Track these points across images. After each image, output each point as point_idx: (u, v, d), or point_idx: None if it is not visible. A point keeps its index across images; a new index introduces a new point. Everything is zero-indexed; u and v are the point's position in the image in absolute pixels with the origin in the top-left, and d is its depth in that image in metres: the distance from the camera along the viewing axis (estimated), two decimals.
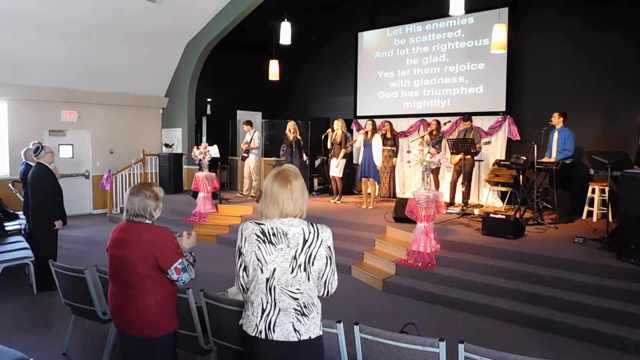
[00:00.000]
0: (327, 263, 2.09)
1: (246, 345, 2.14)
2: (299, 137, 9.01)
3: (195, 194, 8.70)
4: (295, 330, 2.03)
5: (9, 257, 5.28)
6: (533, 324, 4.41)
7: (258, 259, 2.05)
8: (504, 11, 8.29)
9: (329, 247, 2.10)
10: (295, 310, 2.03)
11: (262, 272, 2.04)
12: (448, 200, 7.96)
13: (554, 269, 4.91)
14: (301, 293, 2.04)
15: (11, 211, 6.90)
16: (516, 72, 8.65)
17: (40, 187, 5.18)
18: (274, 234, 2.04)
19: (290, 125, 9.08)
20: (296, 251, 2.03)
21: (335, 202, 8.65)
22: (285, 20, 8.42)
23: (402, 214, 6.13)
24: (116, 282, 2.60)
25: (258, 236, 2.05)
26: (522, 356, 2.05)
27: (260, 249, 2.04)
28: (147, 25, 9.51)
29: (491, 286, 4.94)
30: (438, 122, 8.34)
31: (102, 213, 10.31)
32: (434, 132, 8.18)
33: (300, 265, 2.02)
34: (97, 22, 8.94)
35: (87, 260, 6.15)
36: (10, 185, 8.42)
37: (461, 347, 2.24)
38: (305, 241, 2.04)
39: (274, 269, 2.03)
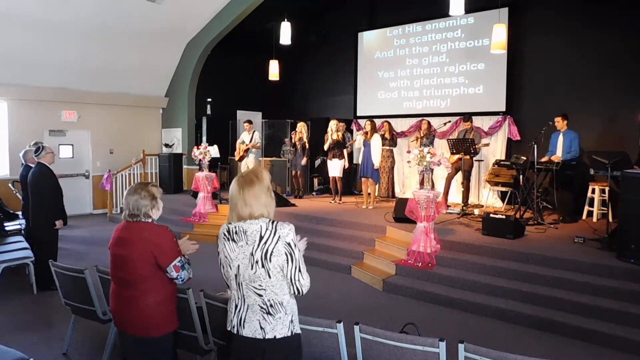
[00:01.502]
0: (287, 260, 2.07)
1: (227, 340, 2.22)
2: (306, 140, 9.04)
3: (195, 194, 8.70)
4: (261, 327, 2.08)
5: (9, 257, 5.28)
6: (533, 324, 4.41)
7: (226, 257, 2.13)
8: (504, 11, 8.30)
9: (288, 244, 2.07)
10: (261, 308, 2.08)
11: (230, 268, 2.13)
12: (452, 198, 7.96)
13: (553, 269, 4.91)
14: (264, 290, 2.07)
15: (11, 211, 6.90)
16: (516, 72, 8.65)
17: (41, 187, 5.18)
18: (236, 232, 2.11)
19: (299, 127, 9.13)
20: (253, 247, 2.07)
21: (337, 203, 8.65)
22: (285, 20, 8.42)
23: (402, 214, 6.13)
24: (117, 281, 2.62)
25: (225, 235, 2.14)
26: (522, 356, 2.05)
27: (225, 246, 2.13)
28: (147, 25, 9.52)
29: (491, 286, 4.94)
30: (428, 122, 8.55)
31: (102, 213, 10.31)
32: (425, 133, 8.31)
33: (257, 262, 2.06)
34: (97, 22, 8.94)
35: (87, 260, 6.16)
36: (10, 185, 8.41)
37: (461, 347, 2.24)
38: (261, 237, 2.07)
39: (238, 266, 2.10)
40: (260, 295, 2.07)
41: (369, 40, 10.69)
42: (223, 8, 9.91)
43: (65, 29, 8.77)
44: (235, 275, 2.12)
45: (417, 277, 5.45)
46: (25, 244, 5.68)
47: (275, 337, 2.07)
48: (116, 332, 3.08)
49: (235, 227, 2.11)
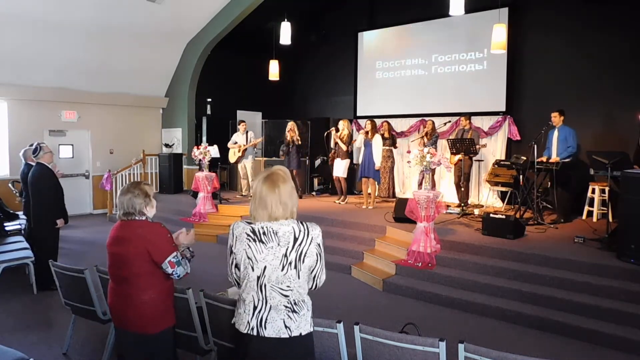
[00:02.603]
0: (317, 260, 2.11)
1: (238, 342, 2.17)
2: (297, 138, 8.99)
3: (195, 194, 8.70)
4: (286, 326, 2.06)
5: (9, 257, 5.28)
6: (533, 324, 4.41)
7: (249, 258, 2.07)
8: (504, 11, 8.29)
9: (319, 245, 2.11)
10: (286, 307, 2.07)
11: (252, 270, 2.07)
12: (457, 201, 7.93)
13: (554, 269, 4.91)
14: (291, 290, 2.07)
15: (11, 211, 6.90)
16: (516, 72, 8.65)
17: (41, 187, 5.18)
18: (264, 233, 2.07)
19: (290, 125, 9.07)
20: (287, 249, 2.05)
21: (340, 203, 8.62)
22: (285, 20, 8.42)
23: (402, 214, 6.13)
24: (115, 279, 2.65)
25: (248, 235, 2.08)
26: (522, 356, 2.05)
27: (250, 247, 2.07)
28: (147, 25, 9.51)
29: (491, 286, 4.94)
30: (433, 123, 8.42)
31: (102, 213, 10.32)
32: (429, 133, 8.23)
33: (290, 263, 2.05)
34: (97, 22, 8.94)
35: (87, 260, 6.15)
36: (10, 185, 8.41)
37: (461, 347, 2.24)
38: (295, 239, 2.06)
39: (265, 267, 2.06)
40: (286, 296, 2.06)
41: (369, 40, 10.69)
42: (223, 8, 9.91)
43: (66, 29, 8.77)
44: (258, 277, 2.07)
45: (417, 277, 5.45)
46: (25, 244, 5.68)
47: (301, 334, 2.08)
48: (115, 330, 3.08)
49: (262, 228, 2.07)
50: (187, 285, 3.05)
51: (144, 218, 2.63)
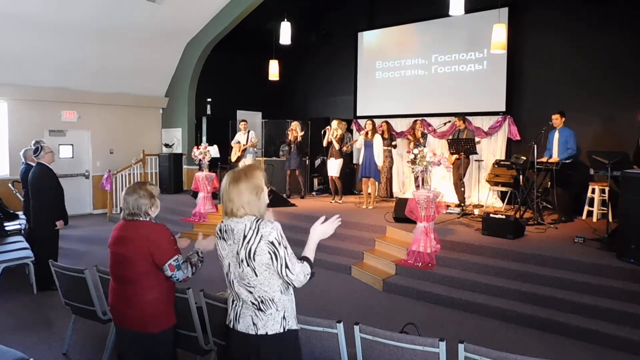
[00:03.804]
0: (271, 258, 2.06)
1: (225, 335, 2.26)
2: (300, 137, 9.02)
3: (195, 194, 8.70)
4: (253, 323, 2.10)
5: (9, 257, 5.28)
6: (533, 324, 4.41)
7: (219, 255, 2.19)
8: (504, 11, 8.29)
9: (271, 242, 2.05)
10: (253, 304, 2.10)
11: (223, 267, 2.19)
12: (457, 202, 7.92)
13: (554, 269, 4.91)
14: (253, 287, 2.10)
15: (11, 211, 6.89)
16: (516, 72, 8.65)
17: (41, 187, 5.18)
18: (225, 231, 2.15)
19: (292, 125, 9.10)
20: (238, 247, 2.10)
21: (337, 202, 8.64)
22: (285, 20, 8.42)
23: (402, 214, 6.13)
24: (116, 278, 2.66)
25: (218, 233, 2.20)
26: (522, 356, 2.05)
27: (218, 245, 2.19)
28: (147, 25, 9.51)
29: (491, 286, 4.93)
30: (421, 122, 8.68)
31: (102, 213, 10.31)
32: (417, 133, 8.33)
33: (242, 261, 2.08)
34: (98, 22, 8.94)
35: (87, 260, 6.16)
36: (10, 185, 8.41)
37: (461, 347, 2.24)
38: (244, 237, 2.08)
39: (229, 264, 2.15)
40: (251, 292, 2.10)
41: (369, 40, 10.68)
42: (223, 8, 9.91)
43: (66, 29, 8.77)
44: (227, 273, 2.17)
45: (417, 277, 5.45)
46: (25, 244, 5.68)
47: (267, 333, 2.08)
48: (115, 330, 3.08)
49: (225, 226, 2.16)
50: (187, 285, 3.05)
51: (147, 219, 2.64)
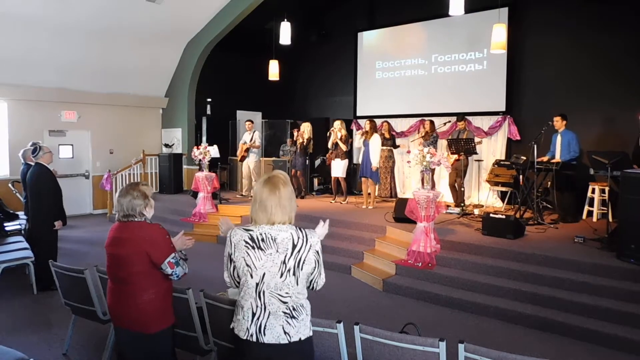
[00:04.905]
0: (315, 267, 2.12)
1: (237, 347, 2.17)
2: (310, 140, 9.03)
3: (195, 194, 8.70)
4: (285, 332, 2.05)
5: (9, 257, 5.27)
6: (533, 324, 4.41)
7: (247, 265, 2.07)
8: (504, 11, 8.29)
9: (317, 252, 2.12)
10: (285, 313, 2.06)
11: (251, 277, 2.07)
12: (453, 203, 7.92)
13: (554, 269, 4.91)
14: (290, 297, 2.07)
15: (11, 211, 6.89)
16: (516, 72, 8.65)
17: (40, 187, 5.17)
18: (262, 240, 2.06)
19: (303, 127, 9.10)
20: (285, 256, 2.05)
21: (341, 203, 8.61)
22: (285, 20, 8.42)
23: (402, 214, 6.13)
24: (114, 279, 2.66)
25: (247, 242, 2.08)
26: (522, 356, 2.05)
27: (249, 254, 2.07)
28: (147, 25, 9.51)
29: (491, 286, 4.93)
30: (432, 122, 8.26)
31: (102, 213, 10.32)
32: (428, 133, 8.17)
33: (289, 270, 2.05)
34: (98, 22, 8.94)
35: (87, 260, 6.15)
36: (10, 185, 8.41)
37: (461, 347, 2.24)
38: (294, 246, 2.06)
39: (264, 274, 2.06)
40: (285, 302, 2.06)
41: (369, 40, 10.69)
42: (223, 8, 9.91)
43: (66, 29, 8.77)
44: (257, 284, 2.06)
45: (417, 277, 5.44)
46: (25, 244, 5.68)
47: (300, 339, 2.07)
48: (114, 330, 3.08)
49: (261, 235, 2.07)
50: (187, 285, 3.05)
51: (143, 219, 2.64)
